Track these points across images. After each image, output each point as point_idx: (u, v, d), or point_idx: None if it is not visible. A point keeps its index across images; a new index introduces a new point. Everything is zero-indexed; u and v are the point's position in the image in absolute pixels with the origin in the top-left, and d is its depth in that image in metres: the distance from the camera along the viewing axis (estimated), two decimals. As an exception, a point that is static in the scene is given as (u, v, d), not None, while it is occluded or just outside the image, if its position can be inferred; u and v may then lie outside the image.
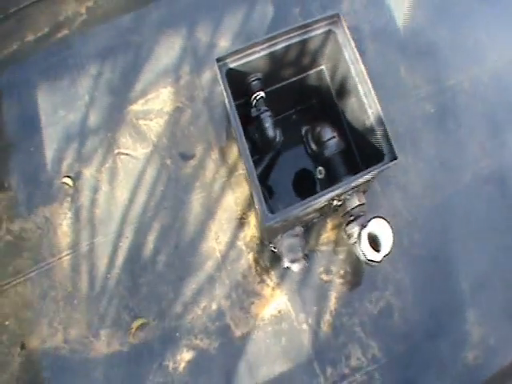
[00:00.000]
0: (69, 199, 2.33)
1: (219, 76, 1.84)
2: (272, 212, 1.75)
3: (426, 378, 2.19)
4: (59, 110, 2.44)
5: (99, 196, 2.33)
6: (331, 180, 2.22)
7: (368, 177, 1.83)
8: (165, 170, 2.33)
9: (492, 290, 2.27)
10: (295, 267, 2.18)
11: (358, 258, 2.20)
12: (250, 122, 2.09)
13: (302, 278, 2.24)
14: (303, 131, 2.36)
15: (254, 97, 2.01)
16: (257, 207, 1.85)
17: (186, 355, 2.15)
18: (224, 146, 2.38)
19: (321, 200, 1.79)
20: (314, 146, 2.28)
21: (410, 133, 2.43)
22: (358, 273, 2.28)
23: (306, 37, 1.92)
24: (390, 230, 1.95)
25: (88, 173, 2.36)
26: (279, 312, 2.18)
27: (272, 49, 1.90)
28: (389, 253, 1.93)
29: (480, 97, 2.50)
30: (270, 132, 2.04)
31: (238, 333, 2.15)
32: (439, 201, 2.37)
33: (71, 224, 2.31)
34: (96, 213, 2.31)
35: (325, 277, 2.25)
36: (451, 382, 2.19)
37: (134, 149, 2.37)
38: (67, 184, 2.33)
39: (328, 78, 2.21)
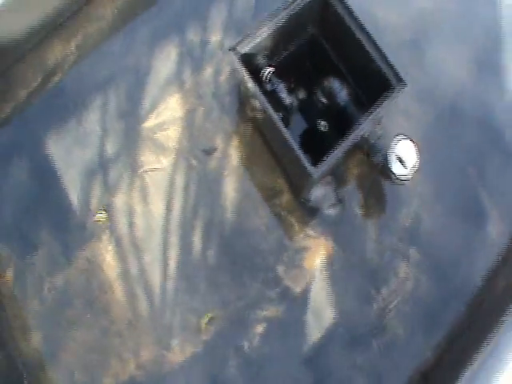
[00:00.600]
0: (107, 232, 2.44)
1: (236, 63, 2.09)
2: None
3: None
4: (73, 150, 2.53)
5: (136, 218, 2.46)
6: (344, 128, 2.41)
7: (386, 104, 2.10)
8: (192, 170, 2.51)
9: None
10: (332, 212, 2.50)
11: (383, 186, 2.51)
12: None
13: (339, 219, 2.52)
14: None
15: (266, 73, 2.24)
16: (298, 165, 2.11)
17: (257, 329, 2.36)
18: (240, 129, 2.59)
19: (357, 136, 2.08)
20: (324, 100, 2.45)
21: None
22: (385, 198, 2.58)
23: (301, 5, 2.16)
24: (412, 146, 2.24)
25: (119, 200, 2.47)
26: (329, 257, 2.51)
27: (274, 26, 2.14)
28: (417, 166, 2.23)
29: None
30: (287, 100, 2.32)
31: (298, 289, 2.41)
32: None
33: (115, 254, 2.43)
34: (137, 235, 2.43)
35: (359, 211, 2.54)
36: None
37: (158, 161, 2.52)
38: (101, 219, 2.43)
39: (323, 39, 2.44)
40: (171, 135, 2.57)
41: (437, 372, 2.37)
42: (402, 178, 2.25)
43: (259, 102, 2.10)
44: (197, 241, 2.45)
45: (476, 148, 2.62)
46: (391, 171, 2.25)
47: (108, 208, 2.47)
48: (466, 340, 2.37)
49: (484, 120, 2.64)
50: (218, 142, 2.57)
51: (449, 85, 2.67)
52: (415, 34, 2.71)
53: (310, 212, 2.53)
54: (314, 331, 2.38)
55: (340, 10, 2.18)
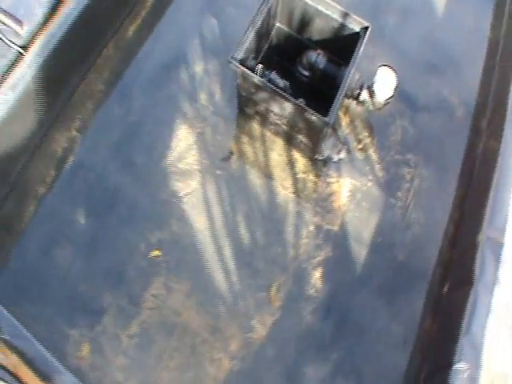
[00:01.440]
0: (164, 265, 2.73)
1: (238, 67, 2.57)
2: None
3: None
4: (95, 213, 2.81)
5: (185, 240, 2.77)
6: (330, 85, 2.86)
7: (359, 48, 2.65)
8: (219, 178, 2.89)
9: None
10: (342, 155, 3.02)
11: (369, 120, 3.07)
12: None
13: (348, 159, 3.04)
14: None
15: (259, 70, 2.70)
16: (311, 120, 2.61)
17: (315, 275, 2.80)
18: (246, 128, 3.01)
19: (350, 75, 2.60)
20: (307, 73, 2.94)
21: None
22: (373, 127, 3.13)
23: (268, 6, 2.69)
24: (391, 72, 2.79)
25: (166, 234, 2.79)
26: (351, 191, 3.00)
27: (254, 30, 2.65)
28: (397, 86, 2.80)
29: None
30: (281, 84, 2.77)
31: (336, 228, 2.88)
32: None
33: (177, 279, 2.70)
34: (191, 254, 2.75)
35: (359, 146, 3.07)
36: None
37: (188, 186, 2.87)
38: (156, 255, 2.73)
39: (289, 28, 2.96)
40: (191, 160, 2.94)
41: (460, 236, 3.00)
42: (388, 99, 2.83)
43: (267, 88, 2.57)
44: (243, 231, 2.83)
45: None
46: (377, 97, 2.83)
47: (159, 243, 2.77)
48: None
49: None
50: (232, 147, 2.99)
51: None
52: None
53: (324, 164, 3.02)
54: (362, 253, 2.89)
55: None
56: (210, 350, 2.62)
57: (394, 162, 3.09)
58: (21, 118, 2.64)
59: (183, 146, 2.97)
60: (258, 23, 2.66)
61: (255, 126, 3.03)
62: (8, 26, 2.58)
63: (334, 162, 3.02)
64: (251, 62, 2.73)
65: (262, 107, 2.84)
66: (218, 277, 2.74)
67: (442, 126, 3.20)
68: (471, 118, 3.22)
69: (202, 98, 3.07)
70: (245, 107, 2.98)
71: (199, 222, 2.84)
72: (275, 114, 2.85)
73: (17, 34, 2.57)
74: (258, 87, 2.66)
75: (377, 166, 3.08)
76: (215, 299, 2.71)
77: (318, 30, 2.87)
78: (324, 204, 2.98)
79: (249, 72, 2.59)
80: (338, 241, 2.91)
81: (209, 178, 2.93)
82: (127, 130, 2.98)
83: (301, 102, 2.60)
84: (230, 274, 2.77)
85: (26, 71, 2.56)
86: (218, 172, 2.95)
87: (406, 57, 3.33)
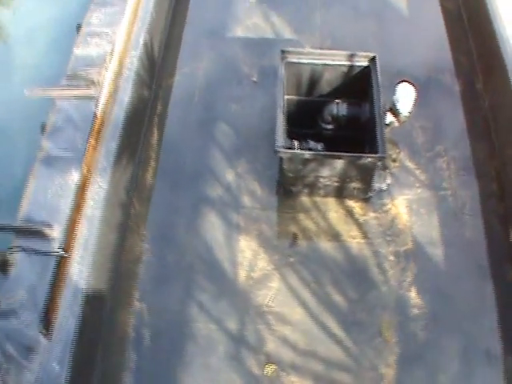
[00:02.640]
0: (283, 373, 2.70)
1: (287, 154, 2.66)
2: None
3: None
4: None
5: (299, 331, 2.76)
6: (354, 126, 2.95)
7: (376, 78, 2.79)
8: (295, 265, 2.91)
9: None
10: (389, 180, 3.08)
11: (394, 136, 3.12)
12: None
13: (393, 181, 3.12)
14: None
15: (296, 145, 2.83)
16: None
17: (411, 295, 2.86)
18: (296, 203, 3.04)
19: (382, 110, 2.71)
20: (330, 126, 2.97)
21: None
22: (399, 139, 3.20)
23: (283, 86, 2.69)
24: (410, 88, 2.86)
25: (271, 346, 2.77)
26: (407, 206, 3.05)
27: (282, 112, 2.67)
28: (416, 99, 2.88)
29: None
30: (319, 147, 2.86)
31: (410, 245, 2.96)
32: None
33: (298, 374, 2.71)
34: (302, 345, 2.75)
35: (396, 164, 3.17)
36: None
37: (270, 289, 2.87)
38: (272, 369, 2.69)
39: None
40: (262, 265, 2.94)
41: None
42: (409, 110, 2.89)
43: (318, 157, 2.66)
44: (336, 297, 2.86)
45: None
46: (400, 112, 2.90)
47: (268, 357, 2.73)
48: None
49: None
50: (293, 229, 3.00)
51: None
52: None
53: (376, 197, 3.06)
54: (439, 253, 2.98)
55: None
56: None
57: (428, 159, 3.19)
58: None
59: (249, 255, 2.96)
60: (282, 105, 2.66)
61: (305, 199, 3.05)
62: (40, 235, 2.49)
63: (384, 190, 3.09)
64: (288, 143, 2.76)
65: (310, 178, 2.84)
66: (334, 349, 2.77)
67: (448, 105, 3.30)
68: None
69: (246, 200, 3.05)
70: (291, 187, 2.96)
71: (296, 313, 2.84)
72: (324, 178, 2.85)
73: (47, 238, 2.49)
74: (306, 161, 2.68)
75: (417, 172, 3.16)
76: (338, 369, 2.74)
77: (327, 82, 2.89)
78: (391, 231, 3.05)
79: (298, 152, 2.62)
80: (417, 254, 2.99)
81: (285, 271, 2.92)
82: (188, 278, 2.92)
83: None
84: (343, 341, 2.80)
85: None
86: (291, 259, 2.95)
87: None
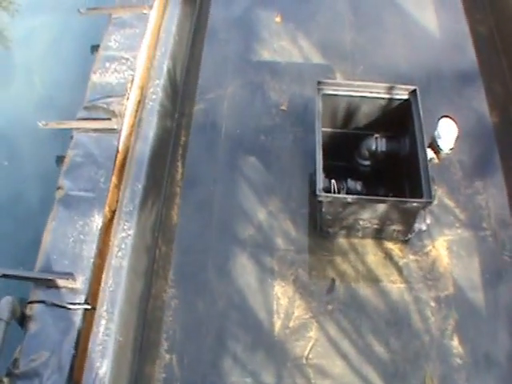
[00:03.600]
0: None
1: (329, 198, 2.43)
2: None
3: None
4: None
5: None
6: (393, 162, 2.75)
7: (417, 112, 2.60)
8: (334, 313, 2.67)
9: None
10: (428, 221, 2.82)
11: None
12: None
13: (433, 221, 2.90)
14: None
15: (335, 186, 2.61)
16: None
17: (454, 344, 2.65)
18: (333, 245, 2.81)
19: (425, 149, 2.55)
20: (367, 162, 2.76)
21: None
22: (437, 175, 2.88)
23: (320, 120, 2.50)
24: (453, 124, 2.64)
25: None
26: (447, 248, 2.86)
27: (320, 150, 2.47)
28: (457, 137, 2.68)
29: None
30: (359, 187, 2.67)
31: (451, 290, 2.76)
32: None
33: None
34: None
35: (435, 202, 2.87)
36: None
37: (308, 340, 2.64)
38: None
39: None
40: (298, 313, 2.70)
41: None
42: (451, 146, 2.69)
43: (360, 202, 2.44)
44: (377, 347, 2.64)
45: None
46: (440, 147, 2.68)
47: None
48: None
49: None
50: (331, 274, 2.77)
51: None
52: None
53: (416, 238, 2.85)
54: (480, 297, 2.79)
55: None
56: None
57: (467, 196, 2.99)
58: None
59: (285, 303, 2.71)
60: (321, 143, 2.47)
61: (342, 241, 2.82)
62: (62, 286, 2.19)
63: (424, 231, 2.87)
64: (324, 182, 2.53)
65: (350, 220, 2.62)
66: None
67: (487, 140, 3.12)
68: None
69: (280, 242, 2.81)
70: (329, 228, 2.74)
71: (336, 366, 2.62)
72: (364, 220, 2.63)
73: (70, 289, 2.20)
74: (347, 205, 2.47)
75: (456, 211, 2.96)
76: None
77: (364, 114, 2.70)
78: (432, 275, 2.84)
79: (340, 196, 2.44)
80: (459, 300, 2.79)
81: (324, 319, 2.69)
82: (220, 327, 2.67)
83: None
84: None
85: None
86: (330, 307, 2.72)
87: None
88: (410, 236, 2.83)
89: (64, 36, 3.90)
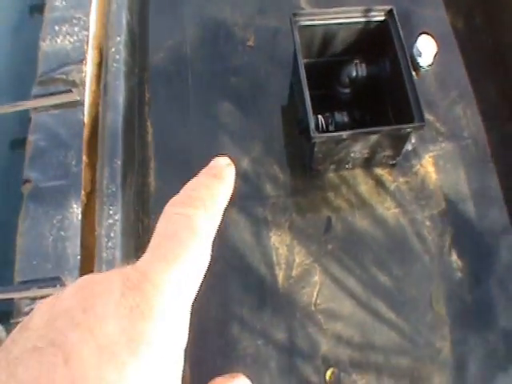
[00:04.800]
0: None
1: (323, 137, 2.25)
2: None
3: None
4: None
5: (351, 326, 2.43)
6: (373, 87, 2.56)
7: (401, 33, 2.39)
8: (335, 251, 2.54)
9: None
10: (413, 140, 2.71)
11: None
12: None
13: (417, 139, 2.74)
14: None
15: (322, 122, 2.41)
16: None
17: (453, 258, 2.58)
18: (324, 183, 2.64)
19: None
20: (347, 90, 2.55)
21: None
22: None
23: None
24: (431, 40, 2.56)
25: (325, 348, 2.44)
26: (434, 164, 2.71)
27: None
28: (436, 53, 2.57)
29: None
30: (346, 119, 2.48)
31: (443, 206, 2.64)
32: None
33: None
34: (357, 338, 2.44)
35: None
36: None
37: (314, 285, 2.51)
38: (332, 372, 2.34)
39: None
40: (299, 259, 2.53)
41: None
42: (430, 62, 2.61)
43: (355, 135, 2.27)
44: (382, 278, 2.54)
45: None
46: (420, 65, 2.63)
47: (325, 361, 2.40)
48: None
49: None
50: (326, 212, 2.60)
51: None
52: None
53: (404, 160, 2.72)
54: (470, 205, 2.73)
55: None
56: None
57: (445, 108, 2.84)
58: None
59: (284, 252, 2.52)
60: (305, 78, 2.22)
61: (332, 176, 2.62)
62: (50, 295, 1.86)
63: (411, 150, 2.72)
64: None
65: (341, 154, 2.44)
66: (388, 335, 2.46)
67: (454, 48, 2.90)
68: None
69: (269, 189, 2.57)
70: (319, 166, 2.54)
71: (345, 306, 2.49)
72: (355, 152, 2.46)
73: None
74: (341, 140, 2.27)
75: (437, 125, 2.81)
76: (396, 355, 2.45)
77: (342, 41, 2.44)
78: (423, 194, 2.72)
79: (336, 134, 2.20)
80: (452, 214, 2.69)
81: (326, 260, 2.53)
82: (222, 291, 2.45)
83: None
84: (396, 324, 2.50)
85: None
86: (330, 246, 2.55)
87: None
88: (397, 159, 2.67)
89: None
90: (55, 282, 1.82)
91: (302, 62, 2.18)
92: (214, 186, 0.52)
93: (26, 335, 0.37)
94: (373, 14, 2.29)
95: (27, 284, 1.77)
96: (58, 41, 2.25)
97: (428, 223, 2.69)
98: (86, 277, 0.44)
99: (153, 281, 0.41)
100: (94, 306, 0.37)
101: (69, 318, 0.36)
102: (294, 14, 2.25)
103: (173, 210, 0.49)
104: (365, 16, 2.27)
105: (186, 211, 0.48)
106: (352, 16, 2.28)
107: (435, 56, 2.54)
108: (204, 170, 0.57)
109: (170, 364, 0.42)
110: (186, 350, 0.53)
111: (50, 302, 0.40)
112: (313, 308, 2.45)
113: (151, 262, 0.44)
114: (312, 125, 2.12)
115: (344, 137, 2.18)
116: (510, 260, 2.62)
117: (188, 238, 0.45)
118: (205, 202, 0.50)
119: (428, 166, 2.74)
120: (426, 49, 2.48)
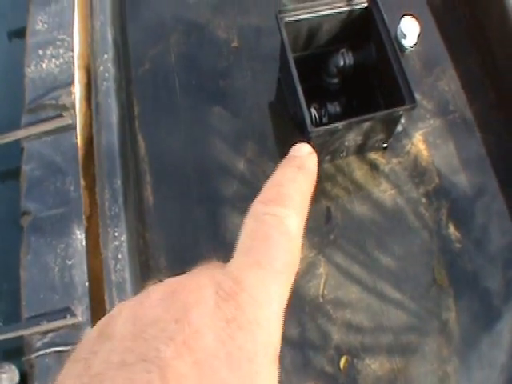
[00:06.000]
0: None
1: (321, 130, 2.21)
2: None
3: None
4: None
5: (360, 309, 2.47)
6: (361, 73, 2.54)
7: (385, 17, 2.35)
8: (337, 240, 2.54)
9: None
10: (403, 120, 2.67)
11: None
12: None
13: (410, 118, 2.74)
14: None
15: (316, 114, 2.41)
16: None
17: (451, 230, 2.62)
18: (319, 174, 2.58)
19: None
20: (336, 79, 2.51)
21: None
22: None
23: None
24: (415, 21, 2.55)
25: (336, 337, 2.48)
26: (424, 141, 2.71)
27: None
28: (419, 33, 2.55)
29: None
30: (339, 109, 2.49)
31: (437, 181, 2.65)
32: None
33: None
34: (365, 323, 2.49)
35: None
36: None
37: (319, 276, 2.53)
38: (346, 361, 2.36)
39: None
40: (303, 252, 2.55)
41: None
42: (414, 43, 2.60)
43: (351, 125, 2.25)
44: (384, 259, 2.56)
45: None
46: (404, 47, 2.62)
47: (340, 351, 2.41)
48: None
49: None
50: (325, 204, 2.60)
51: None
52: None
53: (395, 140, 2.72)
54: (463, 177, 2.76)
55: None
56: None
57: (430, 85, 2.83)
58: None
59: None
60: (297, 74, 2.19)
61: (328, 166, 2.60)
62: (62, 327, 1.84)
63: (401, 132, 2.72)
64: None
65: (336, 144, 2.42)
66: (396, 314, 2.51)
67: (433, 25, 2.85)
68: None
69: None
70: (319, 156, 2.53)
71: (351, 292, 2.50)
72: (349, 140, 2.43)
73: (72, 326, 1.85)
74: (336, 131, 2.24)
75: (424, 102, 2.79)
76: (405, 333, 2.50)
77: (326, 32, 2.39)
78: (416, 171, 2.71)
79: (332, 126, 2.17)
80: (445, 188, 2.70)
81: (329, 251, 2.53)
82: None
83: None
84: (402, 303, 2.53)
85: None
86: (332, 236, 2.55)
87: None
88: (389, 141, 2.66)
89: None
90: (65, 313, 1.78)
91: (291, 58, 2.14)
92: (300, 180, 0.49)
93: (109, 346, 0.33)
94: (356, 1, 2.25)
95: (36, 319, 1.74)
96: (44, 65, 2.18)
97: (424, 200, 2.69)
98: (171, 281, 0.39)
99: (248, 290, 0.37)
100: (188, 316, 0.33)
101: (159, 329, 0.33)
102: (280, 11, 2.22)
103: (262, 209, 0.45)
104: (348, 5, 2.24)
105: (277, 211, 0.44)
106: (335, 6, 2.23)
107: (419, 36, 2.50)
108: (287, 161, 0.51)
109: (267, 377, 0.38)
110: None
111: (133, 307, 0.36)
112: (321, 299, 2.45)
113: (243, 269, 0.40)
114: (308, 120, 2.10)
115: (340, 127, 2.15)
116: (502, 225, 2.65)
117: (280, 240, 0.42)
118: (293, 199, 0.47)
119: (419, 144, 2.73)
120: (410, 30, 2.44)
